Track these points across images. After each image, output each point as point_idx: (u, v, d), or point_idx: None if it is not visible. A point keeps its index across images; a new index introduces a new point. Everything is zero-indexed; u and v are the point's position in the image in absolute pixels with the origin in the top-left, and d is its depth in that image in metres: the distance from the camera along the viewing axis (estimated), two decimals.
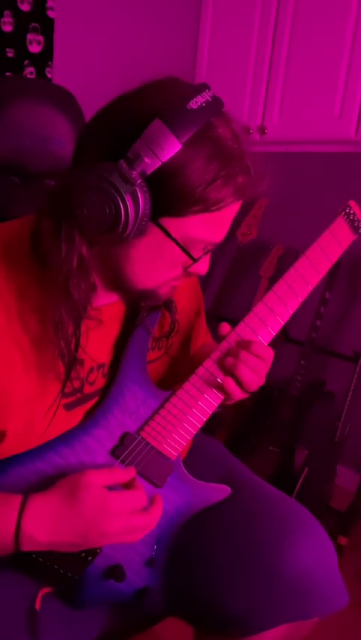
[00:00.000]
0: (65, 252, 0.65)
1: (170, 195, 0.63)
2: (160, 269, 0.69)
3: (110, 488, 0.70)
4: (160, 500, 0.74)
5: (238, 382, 0.76)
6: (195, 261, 0.69)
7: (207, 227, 0.66)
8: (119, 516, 0.68)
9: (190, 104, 0.61)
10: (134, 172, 0.60)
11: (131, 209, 0.61)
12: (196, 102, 0.61)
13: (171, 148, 0.60)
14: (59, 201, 0.66)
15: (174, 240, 0.66)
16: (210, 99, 0.63)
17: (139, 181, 0.60)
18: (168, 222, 0.65)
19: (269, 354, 0.78)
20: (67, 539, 0.67)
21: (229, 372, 0.76)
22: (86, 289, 0.68)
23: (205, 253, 0.71)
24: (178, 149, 0.60)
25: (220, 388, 0.77)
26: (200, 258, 0.70)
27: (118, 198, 0.61)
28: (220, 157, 0.63)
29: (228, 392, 0.77)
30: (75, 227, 0.64)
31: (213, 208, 0.64)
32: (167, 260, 0.68)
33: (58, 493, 0.69)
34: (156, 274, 0.70)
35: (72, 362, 0.70)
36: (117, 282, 0.72)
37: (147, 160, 0.60)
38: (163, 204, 0.63)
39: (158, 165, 0.60)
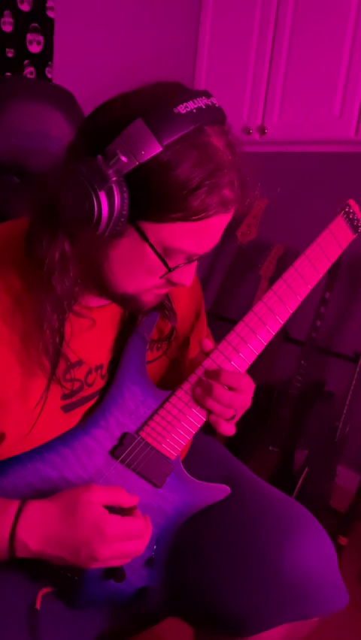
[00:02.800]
0: (47, 246, 0.65)
1: (150, 198, 0.61)
2: (138, 274, 0.68)
3: (110, 509, 0.69)
4: (150, 524, 0.72)
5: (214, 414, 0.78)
6: (169, 269, 0.66)
7: (188, 238, 0.64)
8: (113, 542, 0.67)
9: (179, 108, 0.59)
10: (110, 169, 0.59)
11: (105, 206, 0.60)
12: (186, 107, 0.60)
13: (150, 149, 0.58)
14: (44, 195, 0.66)
15: (150, 244, 0.64)
16: (203, 106, 0.61)
17: (115, 178, 0.59)
18: (147, 227, 0.63)
19: (246, 383, 0.78)
20: (57, 553, 0.66)
21: (199, 404, 0.77)
22: (70, 285, 0.67)
23: (188, 262, 0.68)
24: (158, 151, 0.59)
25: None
26: (176, 267, 0.67)
27: (92, 193, 0.59)
28: (207, 166, 0.60)
29: (213, 425, 0.78)
30: (58, 222, 0.64)
31: (195, 217, 0.62)
32: (145, 265, 0.66)
33: (57, 504, 0.68)
34: (135, 279, 0.68)
35: (57, 357, 0.69)
36: (99, 284, 0.70)
37: (123, 158, 0.58)
38: (143, 207, 0.61)
39: (135, 165, 0.59)
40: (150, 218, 0.62)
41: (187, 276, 0.71)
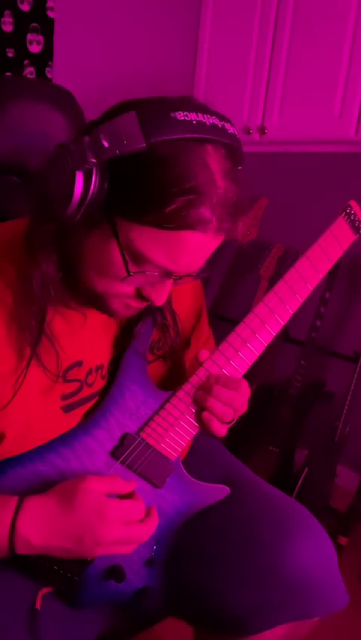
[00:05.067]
0: (36, 227, 0.65)
1: (128, 194, 0.60)
2: (103, 271, 0.65)
3: (109, 497, 0.69)
4: (155, 513, 0.73)
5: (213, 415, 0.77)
6: (129, 273, 0.63)
7: (158, 246, 0.61)
8: (116, 524, 0.67)
9: (177, 114, 0.58)
10: (90, 151, 0.58)
11: (78, 185, 0.58)
12: (186, 116, 0.59)
13: (133, 142, 0.57)
14: (40, 180, 0.65)
15: (117, 240, 0.62)
16: (207, 123, 0.60)
17: (94, 161, 0.58)
18: (121, 223, 0.61)
19: (244, 387, 0.78)
20: (61, 544, 0.67)
21: (200, 405, 0.77)
22: (54, 269, 0.67)
23: (161, 278, 0.66)
24: (141, 146, 0.57)
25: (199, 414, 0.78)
26: (137, 273, 0.64)
27: (69, 170, 0.59)
28: (193, 179, 0.58)
29: (205, 425, 0.78)
30: (47, 201, 0.63)
31: (166, 226, 0.59)
32: (111, 264, 0.64)
33: (55, 496, 0.68)
34: (100, 277, 0.66)
35: (39, 336, 0.68)
36: (73, 276, 0.68)
37: (105, 143, 0.58)
38: (120, 201, 0.60)
39: (115, 154, 0.58)
40: (125, 214, 0.61)
41: (158, 294, 0.68)
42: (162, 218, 0.59)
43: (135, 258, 0.63)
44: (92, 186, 0.59)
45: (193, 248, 0.63)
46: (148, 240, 0.61)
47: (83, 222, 0.62)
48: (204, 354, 0.78)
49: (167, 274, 0.65)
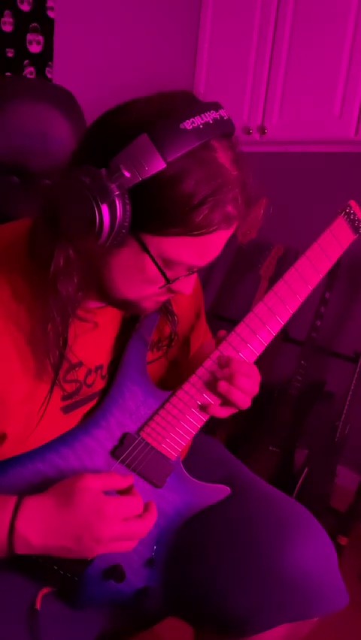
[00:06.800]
0: (51, 251, 0.65)
1: (152, 212, 0.61)
2: (137, 283, 0.68)
3: (107, 494, 0.69)
4: (154, 507, 0.73)
5: (231, 404, 0.77)
6: (168, 281, 0.67)
7: (188, 251, 0.64)
8: (114, 521, 0.67)
9: (185, 123, 0.59)
10: (113, 184, 0.59)
11: (106, 219, 0.60)
12: (193, 123, 0.59)
13: (154, 166, 0.58)
14: (49, 202, 0.66)
15: (151, 256, 0.64)
16: (211, 121, 0.60)
17: (117, 192, 0.59)
18: (148, 238, 0.63)
19: (254, 372, 0.79)
20: (60, 543, 0.66)
21: (221, 396, 0.77)
22: (74, 291, 0.67)
23: (189, 274, 0.69)
24: (162, 167, 0.58)
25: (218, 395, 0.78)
26: (176, 279, 0.68)
27: (94, 205, 0.59)
28: (211, 182, 0.60)
29: (234, 401, 0.77)
30: (62, 228, 0.64)
31: (195, 233, 0.62)
32: (144, 276, 0.66)
33: (53, 495, 0.68)
34: (135, 287, 0.68)
35: (60, 360, 0.69)
36: (100, 289, 0.70)
37: (126, 174, 0.58)
38: (145, 219, 0.61)
39: (138, 181, 0.59)
40: (151, 230, 0.62)
41: (187, 285, 0.71)
42: (192, 227, 0.61)
43: (167, 263, 0.65)
44: (118, 216, 0.60)
45: (221, 242, 0.67)
46: (181, 247, 0.64)
47: (110, 246, 0.63)
48: (222, 332, 0.79)
49: (195, 268, 0.69)
